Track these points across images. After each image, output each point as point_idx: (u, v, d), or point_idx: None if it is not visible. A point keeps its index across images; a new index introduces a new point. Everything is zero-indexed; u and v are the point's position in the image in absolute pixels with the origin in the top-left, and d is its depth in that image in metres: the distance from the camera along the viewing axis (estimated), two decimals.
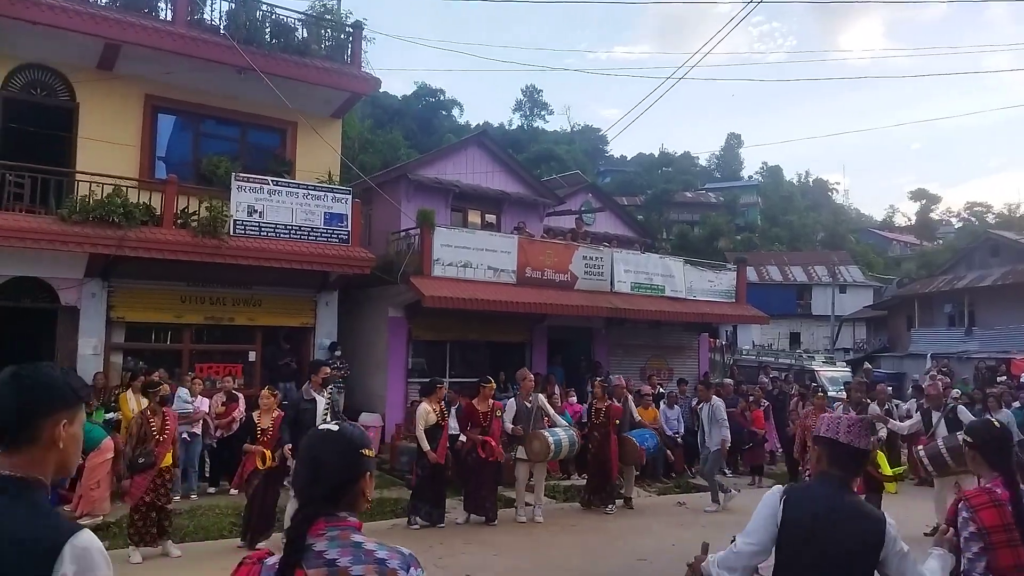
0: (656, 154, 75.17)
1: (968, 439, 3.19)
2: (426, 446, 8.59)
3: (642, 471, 11.77)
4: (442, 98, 52.61)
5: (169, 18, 11.91)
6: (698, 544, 2.95)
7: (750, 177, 73.97)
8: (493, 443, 9.01)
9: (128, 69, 11.65)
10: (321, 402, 8.06)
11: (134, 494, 7.09)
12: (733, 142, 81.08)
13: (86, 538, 1.58)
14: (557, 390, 13.30)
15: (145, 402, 9.63)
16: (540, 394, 10.02)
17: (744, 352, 25.95)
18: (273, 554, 1.72)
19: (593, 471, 10.12)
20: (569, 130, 69.41)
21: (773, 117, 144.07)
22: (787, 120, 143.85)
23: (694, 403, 11.28)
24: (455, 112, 54.21)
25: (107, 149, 11.47)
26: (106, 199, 10.62)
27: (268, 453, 7.60)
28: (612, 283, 15.86)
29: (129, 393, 9.78)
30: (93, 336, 11.12)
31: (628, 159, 76.26)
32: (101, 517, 8.33)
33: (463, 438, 9.47)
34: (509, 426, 9.31)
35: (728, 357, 22.88)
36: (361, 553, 1.67)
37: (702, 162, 78.95)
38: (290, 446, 7.42)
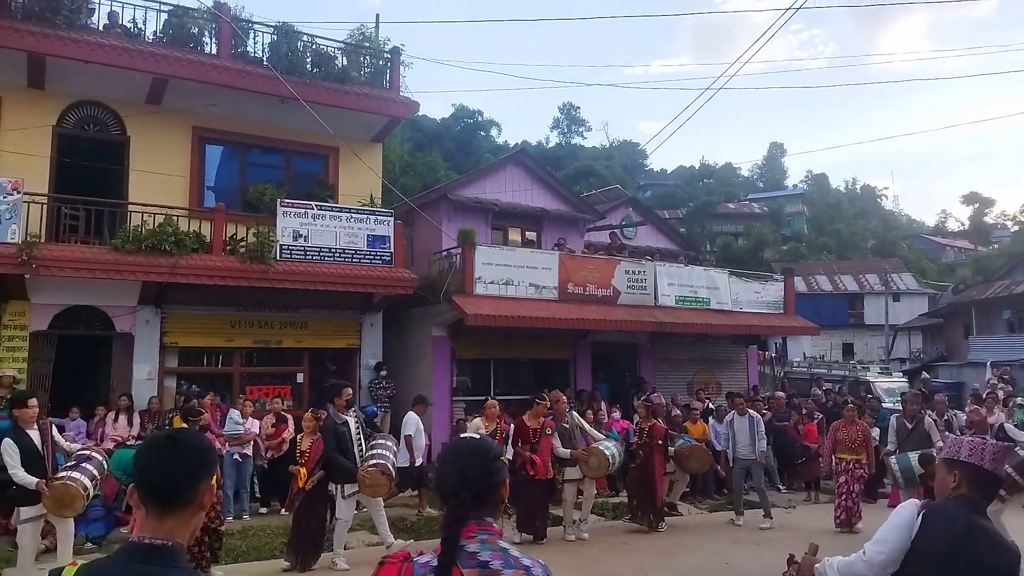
0: (697, 166, 74.51)
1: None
2: None
3: (692, 487, 11.55)
4: (480, 119, 53.08)
5: (214, 52, 12.30)
6: (753, 560, 2.87)
7: (795, 186, 72.73)
8: (539, 461, 8.90)
9: (176, 102, 12.05)
10: (352, 422, 8.08)
11: None
12: (776, 151, 79.91)
13: None
14: (603, 406, 13.17)
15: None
16: (574, 412, 9.86)
17: (795, 364, 25.35)
18: (423, 553, 1.81)
19: (637, 490, 9.92)
20: (607, 145, 69.31)
21: (816, 125, 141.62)
22: (831, 127, 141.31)
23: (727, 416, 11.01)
24: (493, 132, 54.63)
25: (157, 180, 11.85)
26: (157, 228, 10.96)
27: (303, 472, 7.67)
28: (656, 297, 15.69)
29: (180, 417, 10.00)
30: (147, 362, 11.45)
31: (668, 172, 75.75)
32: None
33: (508, 455, 9.41)
34: (562, 451, 9.01)
35: (778, 370, 22.39)
36: (510, 558, 1.75)
37: (744, 172, 77.98)
38: (321, 473, 7.68)
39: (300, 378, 12.99)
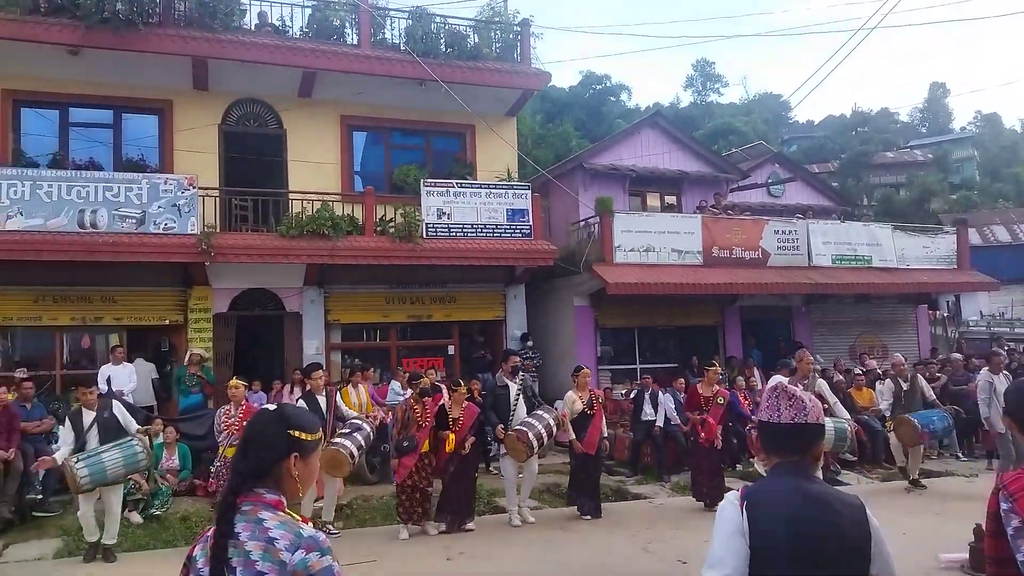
0: (848, 115, 69.05)
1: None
2: (572, 435, 8.50)
3: (860, 456, 10.92)
4: (609, 84, 51.96)
5: (355, 42, 12.85)
6: (932, 531, 2.58)
7: (962, 129, 65.68)
8: (712, 426, 8.72)
9: (324, 94, 12.73)
10: (513, 388, 8.40)
11: (400, 474, 7.84)
12: (938, 92, 72.39)
13: None
14: (756, 373, 12.68)
15: (355, 395, 10.59)
16: (820, 379, 9.07)
17: (971, 324, 23.10)
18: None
19: None
20: (747, 100, 65.78)
21: (984, 60, 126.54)
22: (1002, 61, 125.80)
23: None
24: (623, 96, 53.33)
25: (312, 168, 12.62)
26: (316, 214, 11.70)
27: (452, 437, 8.04)
28: (809, 257, 14.81)
29: (349, 387, 10.70)
30: (315, 338, 12.35)
31: (815, 123, 70.80)
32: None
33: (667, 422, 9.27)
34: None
35: (952, 330, 20.49)
36: (258, 529, 1.74)
37: (903, 118, 71.24)
38: (501, 426, 8.11)
39: (451, 350, 13.50)
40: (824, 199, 20.80)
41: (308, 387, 8.17)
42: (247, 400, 8.67)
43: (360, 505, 9.16)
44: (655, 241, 13.79)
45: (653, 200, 16.45)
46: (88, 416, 7.14)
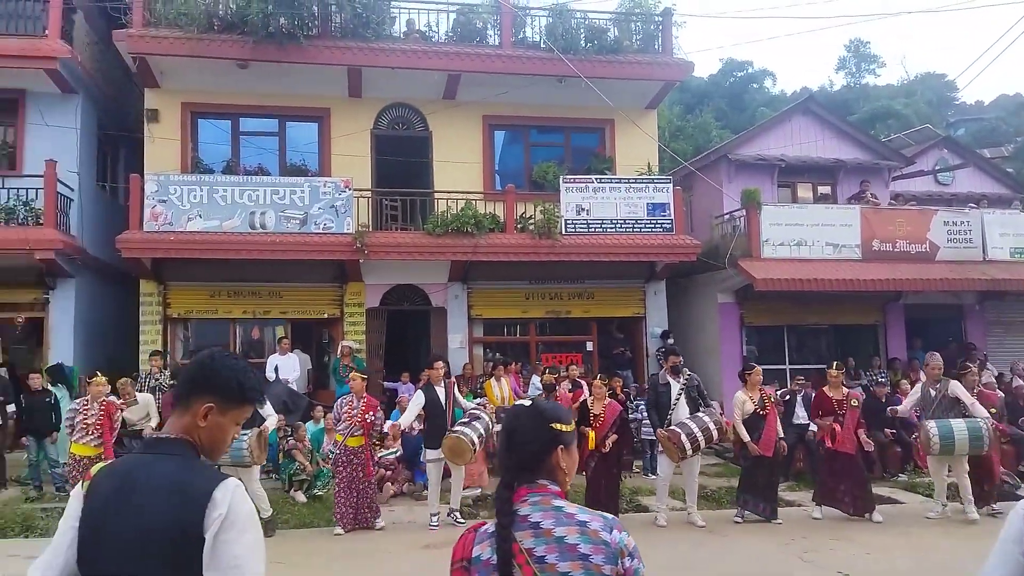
0: (1023, 93, 62.02)
1: None
2: (745, 436, 8.20)
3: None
4: (751, 70, 49.71)
5: (497, 43, 13.10)
6: None
7: None
8: (838, 432, 8.32)
9: (468, 95, 13.07)
10: (675, 387, 8.29)
11: None
12: None
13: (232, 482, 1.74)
14: (923, 376, 11.70)
15: (498, 388, 10.82)
16: (952, 380, 8.45)
17: None
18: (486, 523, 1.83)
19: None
20: (907, 81, 60.70)
21: None
22: None
23: None
24: (767, 83, 50.80)
25: (456, 168, 13.01)
26: (460, 212, 12.06)
27: (592, 434, 8.02)
28: (984, 250, 13.50)
29: (493, 380, 10.98)
30: (459, 332, 12.76)
31: (986, 104, 64.21)
32: (479, 489, 9.48)
33: (813, 427, 8.86)
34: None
35: None
36: (563, 516, 1.74)
37: None
38: (615, 436, 8.15)
39: (589, 346, 13.48)
40: (999, 186, 18.82)
41: (427, 378, 8.54)
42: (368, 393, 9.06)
43: None
44: (807, 234, 13.08)
45: (804, 191, 15.57)
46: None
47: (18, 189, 11.41)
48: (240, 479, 1.85)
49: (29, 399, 9.78)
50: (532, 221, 12.41)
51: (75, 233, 12.02)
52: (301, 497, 9.25)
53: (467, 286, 12.89)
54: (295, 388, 11.27)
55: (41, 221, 11.24)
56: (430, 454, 8.19)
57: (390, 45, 12.28)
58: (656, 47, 13.69)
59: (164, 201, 11.39)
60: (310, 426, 10.39)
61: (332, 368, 12.05)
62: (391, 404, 11.19)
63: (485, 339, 13.30)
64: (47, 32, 11.59)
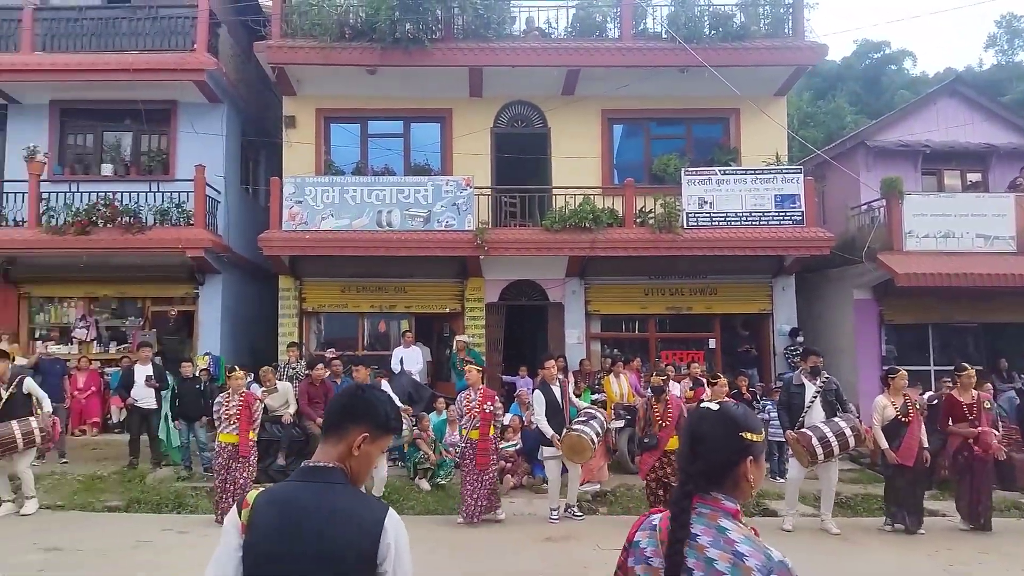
0: None
1: None
2: (884, 444, 7.68)
3: None
4: (888, 51, 46.43)
5: (617, 36, 12.94)
6: None
7: None
8: (988, 438, 7.73)
9: (587, 90, 13.00)
10: (810, 389, 7.96)
11: (643, 469, 8.03)
12: None
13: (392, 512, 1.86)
14: None
15: (616, 385, 10.71)
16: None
17: None
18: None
19: None
20: None
21: None
22: None
23: None
24: (907, 64, 47.23)
25: (574, 164, 12.98)
26: (578, 208, 12.04)
27: None
28: None
29: (611, 377, 10.89)
30: (576, 328, 12.76)
31: None
32: (599, 485, 9.45)
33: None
34: None
35: None
36: (722, 539, 1.65)
37: None
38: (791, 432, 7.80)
39: (712, 344, 13.09)
40: None
41: (541, 376, 8.53)
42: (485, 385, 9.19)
43: (623, 493, 9.29)
44: (955, 225, 12.10)
45: (952, 179, 14.37)
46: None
47: (171, 192, 12.46)
48: None
49: (181, 386, 10.67)
50: (652, 215, 12.19)
51: (221, 232, 12.99)
52: (425, 485, 9.55)
53: (585, 281, 12.86)
54: (419, 380, 11.66)
55: (192, 222, 12.23)
56: (548, 451, 8.24)
57: (510, 44, 12.41)
58: (786, 31, 13.05)
59: (300, 202, 12.09)
60: (433, 417, 10.71)
61: (451, 362, 12.38)
62: (509, 398, 11.35)
63: (603, 335, 13.22)
64: (195, 46, 12.57)
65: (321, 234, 12.02)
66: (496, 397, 8.68)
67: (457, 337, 12.27)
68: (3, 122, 13.25)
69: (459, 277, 12.86)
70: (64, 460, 10.44)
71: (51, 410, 8.52)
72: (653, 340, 13.18)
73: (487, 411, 8.21)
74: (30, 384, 8.29)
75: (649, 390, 8.56)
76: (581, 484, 9.15)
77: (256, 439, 8.39)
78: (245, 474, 7.94)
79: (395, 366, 11.73)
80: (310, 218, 12.09)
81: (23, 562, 6.38)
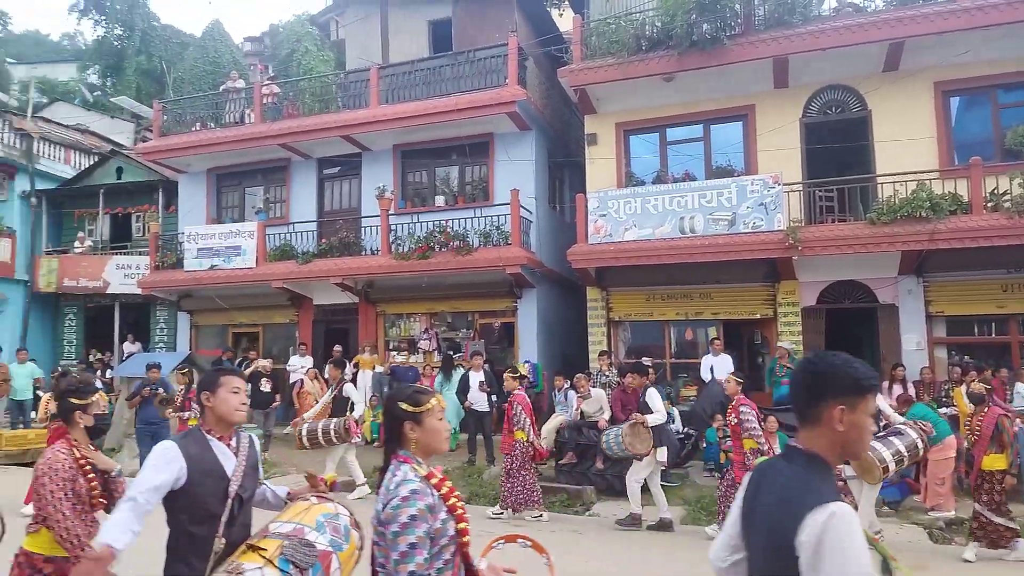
0: None
1: None
2: None
3: None
4: None
5: None
6: None
7: None
8: None
9: (913, 64, 11.52)
10: None
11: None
12: None
13: (830, 510, 1.69)
14: None
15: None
16: None
17: None
18: None
19: None
20: None
21: None
22: None
23: None
24: None
25: (901, 147, 11.55)
26: (910, 196, 10.67)
27: None
28: None
29: (962, 389, 9.42)
30: (914, 332, 11.29)
31: None
32: (950, 513, 8.21)
33: None
34: None
35: None
36: None
37: None
38: None
39: None
40: None
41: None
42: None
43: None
44: None
45: None
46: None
47: (491, 216, 13.73)
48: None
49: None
50: (1008, 197, 10.34)
51: (534, 249, 13.97)
52: None
53: (923, 279, 11.32)
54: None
55: (509, 241, 13.34)
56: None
57: (819, 26, 11.49)
58: None
59: (604, 215, 12.51)
60: None
61: (768, 369, 11.75)
62: None
63: (949, 340, 11.48)
64: (507, 81, 13.75)
65: (625, 245, 12.29)
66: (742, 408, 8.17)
67: (778, 343, 11.64)
68: (358, 168, 15.82)
69: (769, 280, 12.19)
70: None
71: (360, 413, 9.84)
72: (1017, 345, 11.11)
73: (734, 423, 7.79)
74: (348, 389, 9.77)
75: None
76: (930, 510, 8.12)
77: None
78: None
79: (704, 374, 11.49)
80: (614, 230, 12.43)
81: None
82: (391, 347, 15.12)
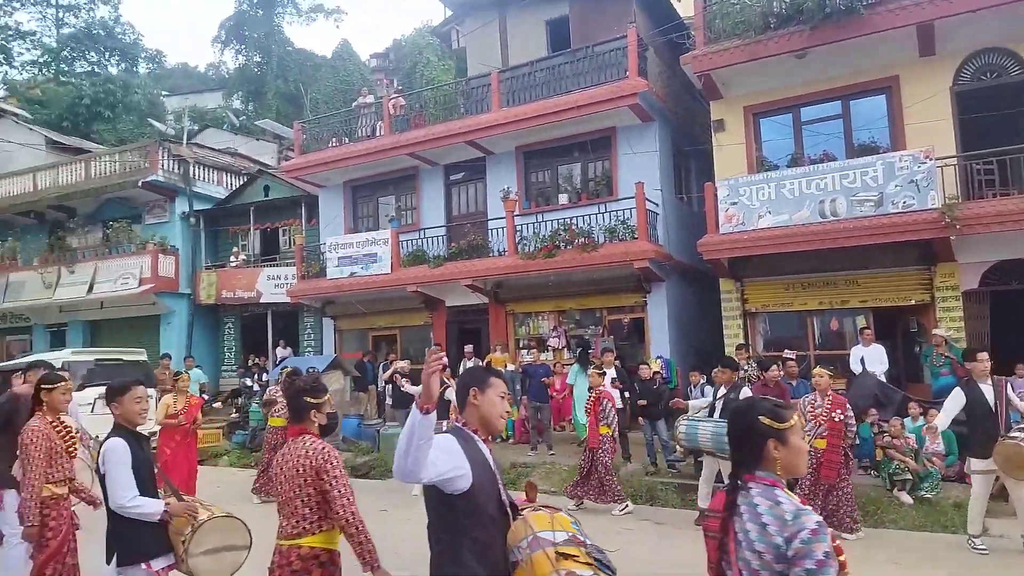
0: None
1: None
2: None
3: None
4: None
5: None
6: None
7: None
8: None
9: None
10: None
11: None
12: None
13: None
14: None
15: None
16: None
17: None
18: None
19: None
20: None
21: None
22: None
23: None
24: None
25: None
26: None
27: None
28: None
29: None
30: None
31: None
32: None
33: None
34: None
35: None
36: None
37: None
38: None
39: None
40: None
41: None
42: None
43: None
44: None
45: None
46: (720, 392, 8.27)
47: (616, 211, 13.60)
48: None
49: (641, 386, 11.47)
50: None
51: (662, 242, 13.71)
52: (906, 498, 8.56)
53: None
54: (885, 381, 10.55)
55: (635, 235, 13.16)
56: (976, 463, 6.86)
57: None
58: None
59: (735, 203, 12.07)
60: (908, 422, 9.58)
61: (923, 357, 10.91)
62: None
63: None
64: (627, 73, 13.57)
65: (759, 232, 11.80)
66: (847, 405, 7.84)
67: (935, 331, 10.78)
68: (483, 171, 16.15)
69: (924, 263, 11.29)
70: (551, 452, 12.11)
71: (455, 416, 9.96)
72: None
73: (836, 420, 7.63)
74: (450, 393, 9.91)
75: None
76: None
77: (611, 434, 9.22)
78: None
79: (855, 366, 10.82)
80: (747, 218, 11.97)
81: None
82: (521, 345, 15.33)
